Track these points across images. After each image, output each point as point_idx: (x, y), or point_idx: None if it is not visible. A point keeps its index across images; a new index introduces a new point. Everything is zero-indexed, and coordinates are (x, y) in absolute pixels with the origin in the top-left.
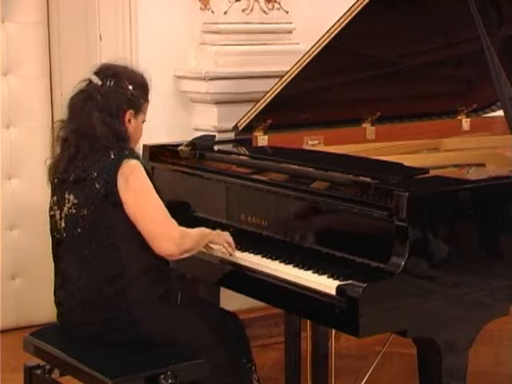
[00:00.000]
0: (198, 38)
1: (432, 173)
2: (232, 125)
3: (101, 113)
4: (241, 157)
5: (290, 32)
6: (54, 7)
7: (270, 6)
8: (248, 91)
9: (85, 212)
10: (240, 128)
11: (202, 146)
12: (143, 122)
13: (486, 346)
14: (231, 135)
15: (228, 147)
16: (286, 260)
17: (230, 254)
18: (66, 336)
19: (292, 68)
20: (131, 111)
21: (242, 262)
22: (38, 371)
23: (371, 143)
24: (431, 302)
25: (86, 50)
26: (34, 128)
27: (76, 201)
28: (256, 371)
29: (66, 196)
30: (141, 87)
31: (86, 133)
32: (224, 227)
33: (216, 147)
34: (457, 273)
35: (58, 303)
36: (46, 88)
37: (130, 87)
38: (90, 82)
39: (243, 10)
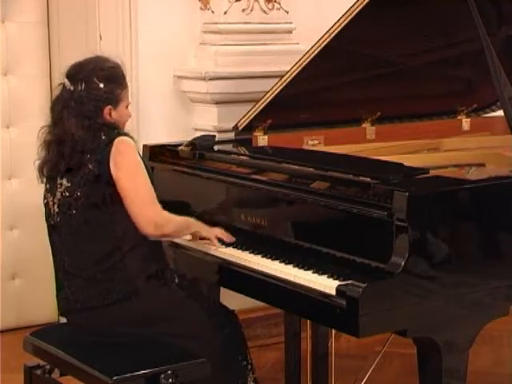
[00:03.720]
0: (198, 38)
1: (432, 173)
2: (232, 125)
3: (77, 119)
4: (241, 157)
5: (290, 32)
6: (54, 7)
7: (270, 5)
8: (248, 91)
9: (78, 193)
10: (240, 128)
11: (202, 146)
12: (127, 106)
13: (486, 346)
14: (231, 135)
15: (228, 147)
16: (286, 260)
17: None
18: (68, 325)
19: (292, 68)
20: (109, 106)
21: (242, 262)
22: (38, 371)
23: (371, 143)
24: (431, 302)
25: (86, 49)
26: (33, 128)
27: (69, 184)
28: (253, 371)
29: (59, 181)
30: (113, 80)
31: (66, 139)
32: (224, 227)
33: (216, 147)
34: (457, 273)
35: (58, 288)
36: (45, 88)
37: (101, 85)
38: (64, 86)
39: (243, 10)
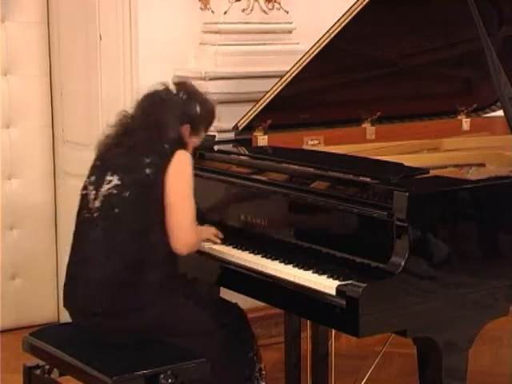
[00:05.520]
0: (198, 38)
1: (432, 173)
2: (232, 125)
3: (170, 113)
4: (241, 157)
5: (290, 32)
6: (53, 7)
7: (270, 6)
8: (248, 91)
9: (127, 194)
10: (240, 128)
11: (202, 146)
12: (193, 148)
13: (486, 346)
14: (231, 135)
15: (228, 147)
16: (286, 260)
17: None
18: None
19: (292, 68)
20: (188, 126)
21: (242, 262)
22: (38, 371)
23: (371, 143)
24: (431, 302)
25: (86, 49)
26: (34, 128)
27: (119, 182)
28: (261, 362)
29: (108, 177)
30: (206, 114)
31: (154, 129)
32: (224, 227)
33: (216, 147)
34: (457, 273)
35: (69, 277)
36: (45, 88)
37: (198, 108)
38: (167, 88)
39: (243, 10)
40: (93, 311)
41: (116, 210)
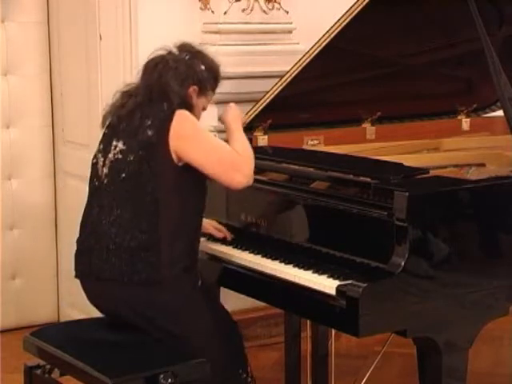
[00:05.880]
0: (198, 38)
1: (432, 173)
2: None
3: (173, 74)
4: None
5: (290, 32)
6: (54, 7)
7: (270, 5)
8: (248, 91)
9: (132, 158)
10: None
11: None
12: (203, 110)
13: (486, 346)
14: None
15: None
16: (286, 260)
17: (225, 237)
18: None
19: (292, 68)
20: (195, 87)
21: (243, 262)
22: (38, 371)
23: (371, 143)
24: (431, 301)
25: (86, 49)
26: (33, 128)
27: (124, 147)
28: (252, 377)
29: (114, 143)
30: (212, 72)
31: (156, 89)
32: (224, 227)
33: None
34: (457, 273)
35: (81, 251)
36: (46, 88)
37: (202, 67)
38: (169, 51)
39: (243, 10)
40: (105, 276)
41: (123, 175)
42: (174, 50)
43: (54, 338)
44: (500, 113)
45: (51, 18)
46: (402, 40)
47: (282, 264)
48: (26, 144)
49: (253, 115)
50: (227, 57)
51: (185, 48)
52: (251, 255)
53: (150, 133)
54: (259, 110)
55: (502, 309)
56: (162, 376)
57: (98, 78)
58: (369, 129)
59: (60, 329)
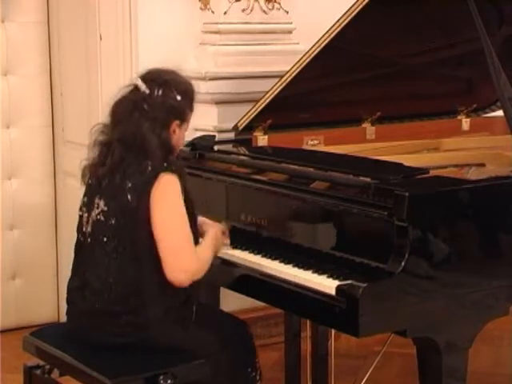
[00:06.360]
0: (198, 38)
1: (432, 173)
2: (232, 125)
3: (151, 123)
4: (241, 157)
5: (290, 32)
6: (54, 7)
7: (270, 6)
8: (248, 91)
9: (113, 222)
10: (240, 128)
11: (202, 146)
12: (185, 131)
13: (486, 346)
14: (231, 135)
15: (228, 147)
16: (286, 260)
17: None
18: (70, 335)
19: (292, 68)
20: (177, 122)
21: (243, 262)
22: (38, 371)
23: (371, 143)
24: (431, 301)
25: (86, 49)
26: (33, 128)
27: (106, 208)
28: (261, 380)
29: (96, 201)
30: (187, 96)
31: (134, 143)
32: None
33: (216, 147)
34: (457, 273)
35: (71, 302)
36: (46, 88)
37: (178, 97)
38: (137, 88)
39: (243, 10)
40: (97, 335)
41: (104, 239)
42: (143, 87)
43: (53, 338)
44: (500, 113)
45: (51, 18)
46: (402, 40)
47: (282, 264)
48: (26, 144)
49: (253, 115)
50: (227, 57)
51: (153, 79)
52: (251, 255)
53: (129, 197)
54: (259, 109)
55: (502, 309)
56: (161, 377)
57: (98, 78)
58: (369, 129)
59: (60, 329)
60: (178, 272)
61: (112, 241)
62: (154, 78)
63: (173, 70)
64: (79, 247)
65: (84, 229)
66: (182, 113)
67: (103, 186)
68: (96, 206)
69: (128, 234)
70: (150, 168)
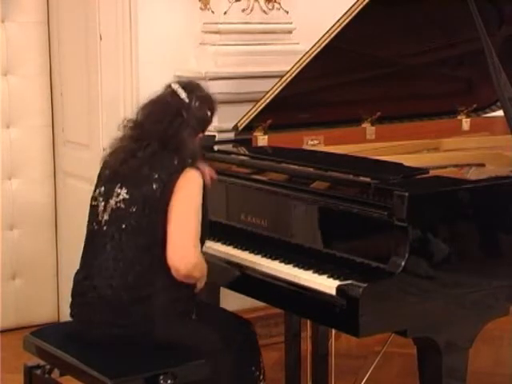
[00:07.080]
0: (198, 38)
1: (432, 173)
2: (232, 125)
3: (190, 131)
4: (241, 157)
5: (290, 32)
6: (53, 7)
7: (270, 6)
8: (248, 91)
9: (134, 209)
10: (240, 128)
11: (202, 146)
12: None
13: (486, 346)
14: (231, 135)
15: (228, 147)
16: (286, 260)
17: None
18: (71, 335)
19: (292, 68)
20: (202, 134)
21: (242, 262)
22: (38, 371)
23: (371, 143)
24: (431, 301)
25: (86, 50)
26: (33, 128)
27: (127, 196)
28: (265, 379)
29: (117, 190)
30: (213, 112)
31: (169, 143)
32: (224, 227)
33: (216, 147)
34: (457, 273)
35: (79, 294)
36: (46, 88)
37: (209, 113)
38: (176, 94)
39: (243, 10)
40: (100, 323)
41: (123, 226)
42: (183, 95)
43: (53, 338)
44: (500, 113)
45: (51, 18)
46: (402, 40)
47: (282, 264)
48: (26, 144)
49: (253, 115)
50: (227, 57)
51: (192, 90)
52: (251, 255)
53: (154, 186)
54: (259, 109)
55: (502, 309)
56: (161, 377)
57: (98, 78)
58: (369, 129)
59: (60, 329)
60: (179, 257)
61: (130, 228)
62: (193, 89)
63: (204, 85)
64: (91, 237)
65: (100, 217)
66: (207, 127)
67: (127, 176)
68: (116, 194)
69: (147, 223)
70: (176, 161)
